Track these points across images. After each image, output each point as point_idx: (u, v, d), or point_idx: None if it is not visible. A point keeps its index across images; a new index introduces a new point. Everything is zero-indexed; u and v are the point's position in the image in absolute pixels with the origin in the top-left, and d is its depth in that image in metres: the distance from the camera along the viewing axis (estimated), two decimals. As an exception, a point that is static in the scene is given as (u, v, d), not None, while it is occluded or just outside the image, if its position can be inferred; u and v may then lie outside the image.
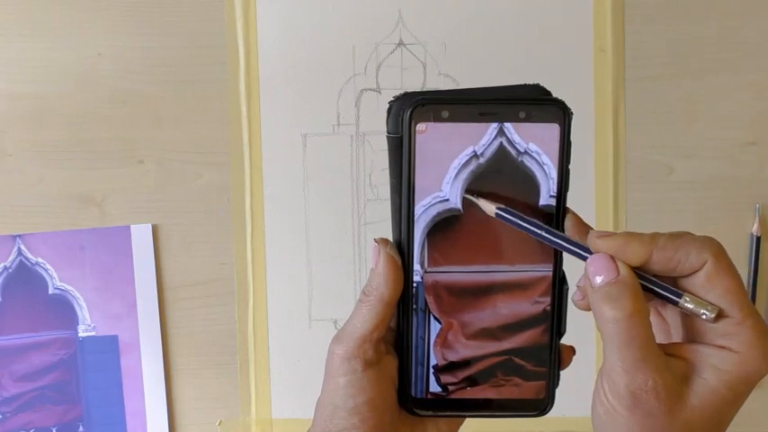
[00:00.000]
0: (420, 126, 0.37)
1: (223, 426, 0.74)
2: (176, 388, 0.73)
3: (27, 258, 0.72)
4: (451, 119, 0.37)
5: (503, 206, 0.37)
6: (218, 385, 0.73)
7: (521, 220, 0.37)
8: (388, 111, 0.39)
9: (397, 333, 0.40)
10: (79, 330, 0.72)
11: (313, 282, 0.73)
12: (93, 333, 0.72)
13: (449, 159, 0.37)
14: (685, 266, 0.35)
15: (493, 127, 0.37)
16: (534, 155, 0.38)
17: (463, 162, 0.38)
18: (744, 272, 0.71)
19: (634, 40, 0.71)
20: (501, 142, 0.37)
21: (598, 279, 0.36)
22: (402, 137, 0.38)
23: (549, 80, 0.71)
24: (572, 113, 0.37)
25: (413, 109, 0.37)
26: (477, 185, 0.38)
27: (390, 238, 0.39)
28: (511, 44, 0.72)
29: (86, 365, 0.73)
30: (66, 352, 0.72)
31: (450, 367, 0.40)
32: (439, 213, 0.38)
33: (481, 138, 0.37)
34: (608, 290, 0.35)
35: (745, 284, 0.71)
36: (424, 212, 0.38)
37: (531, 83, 0.39)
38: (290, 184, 0.73)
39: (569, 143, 0.37)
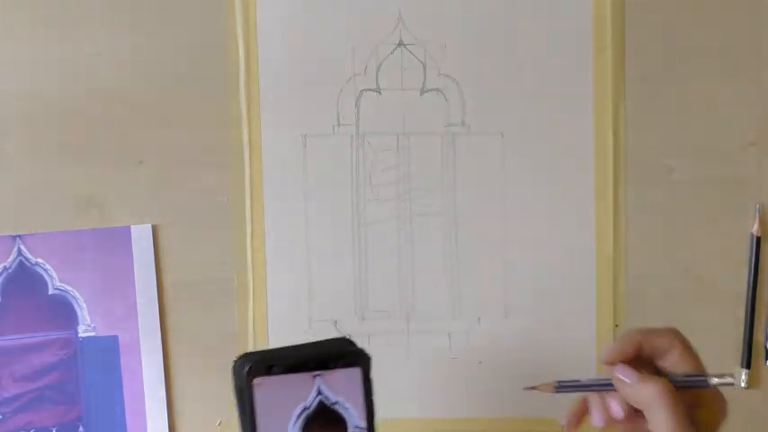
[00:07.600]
0: (257, 380, 0.47)
1: (223, 426, 0.74)
2: (176, 388, 0.73)
3: (27, 259, 0.72)
4: (280, 372, 0.48)
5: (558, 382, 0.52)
6: (218, 385, 0.73)
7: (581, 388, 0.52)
8: (233, 369, 0.48)
9: None
10: (79, 330, 0.72)
11: (313, 282, 0.73)
12: (93, 333, 0.72)
13: (291, 407, 0.48)
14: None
15: (316, 382, 0.49)
16: (341, 401, 0.49)
17: (298, 413, 0.48)
18: (744, 272, 0.71)
19: (634, 40, 0.71)
20: (320, 400, 0.49)
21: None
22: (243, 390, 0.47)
23: (548, 80, 0.71)
24: (370, 357, 0.49)
25: (249, 366, 0.47)
26: (309, 428, 0.49)
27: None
28: (511, 44, 0.72)
29: (86, 365, 0.73)
30: (67, 352, 0.72)
31: None
32: None
33: (309, 393, 0.48)
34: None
35: (746, 285, 0.71)
36: None
37: (339, 336, 0.57)
38: (290, 185, 0.73)
39: (370, 380, 0.49)
